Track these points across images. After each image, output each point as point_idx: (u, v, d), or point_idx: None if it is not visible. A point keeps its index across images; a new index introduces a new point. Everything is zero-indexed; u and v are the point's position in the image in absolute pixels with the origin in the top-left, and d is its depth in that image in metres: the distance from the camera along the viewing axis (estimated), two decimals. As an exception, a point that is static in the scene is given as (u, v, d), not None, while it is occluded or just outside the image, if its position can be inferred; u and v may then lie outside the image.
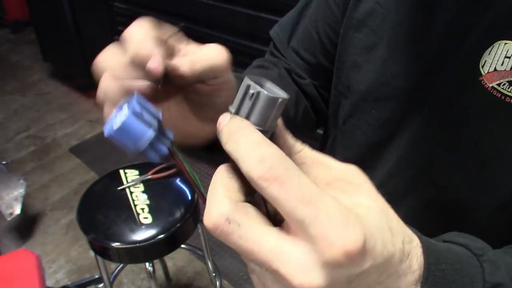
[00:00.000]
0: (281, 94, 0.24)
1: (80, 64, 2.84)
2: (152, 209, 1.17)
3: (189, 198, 1.19)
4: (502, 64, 0.38)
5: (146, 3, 2.21)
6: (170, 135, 0.27)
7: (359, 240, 0.20)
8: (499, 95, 0.39)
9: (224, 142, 0.23)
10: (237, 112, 0.24)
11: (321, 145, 0.67)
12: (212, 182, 0.24)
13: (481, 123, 0.41)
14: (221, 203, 0.22)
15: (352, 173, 0.26)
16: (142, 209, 1.17)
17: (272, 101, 0.23)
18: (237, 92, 0.25)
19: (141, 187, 1.25)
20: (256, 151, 0.21)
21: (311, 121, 0.63)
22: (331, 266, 0.20)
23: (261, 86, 0.24)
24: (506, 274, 0.29)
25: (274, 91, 0.25)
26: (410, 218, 0.49)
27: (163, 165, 1.26)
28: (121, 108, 0.26)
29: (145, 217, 1.15)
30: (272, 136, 0.25)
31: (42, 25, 3.02)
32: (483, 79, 0.40)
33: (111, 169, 1.32)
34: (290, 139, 0.26)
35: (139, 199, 1.21)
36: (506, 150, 0.40)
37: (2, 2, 3.91)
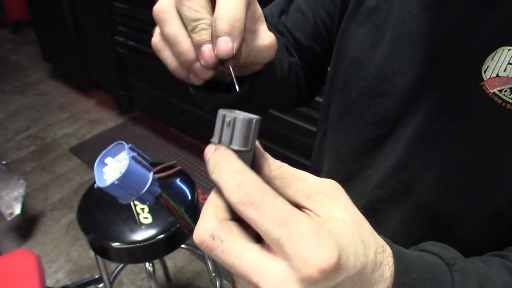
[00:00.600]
0: (254, 116, 0.27)
1: (80, 64, 2.84)
2: (152, 209, 1.17)
3: (189, 198, 1.19)
4: (505, 70, 0.38)
5: (146, 3, 2.21)
6: (154, 175, 0.29)
7: (332, 256, 0.22)
8: (500, 102, 0.38)
9: (210, 172, 0.26)
10: (219, 141, 0.27)
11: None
12: (205, 202, 0.27)
13: (480, 129, 0.41)
14: (208, 220, 0.25)
15: (330, 186, 0.27)
16: (142, 209, 1.18)
17: (248, 122, 0.26)
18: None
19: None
20: (234, 179, 0.24)
21: (293, 100, 0.63)
22: (307, 282, 0.22)
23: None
24: (476, 283, 0.31)
25: (246, 115, 0.28)
26: (407, 220, 0.49)
27: (163, 165, 1.26)
28: (102, 162, 0.27)
29: (145, 217, 1.15)
30: (254, 155, 0.28)
31: (42, 25, 3.03)
32: (484, 84, 0.39)
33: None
34: (270, 158, 0.28)
35: (139, 199, 1.21)
36: (504, 157, 0.40)
37: (2, 2, 3.92)
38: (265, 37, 0.33)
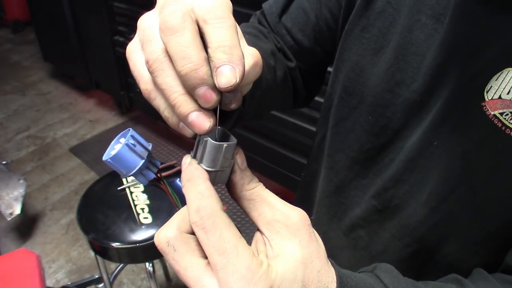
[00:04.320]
0: (231, 139, 0.29)
1: (80, 64, 2.84)
2: (152, 209, 1.17)
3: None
4: (508, 93, 0.36)
5: (146, 3, 2.21)
6: (158, 163, 0.33)
7: None
8: (500, 125, 0.37)
9: (182, 185, 0.29)
10: (194, 156, 0.30)
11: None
12: (178, 211, 0.30)
13: (477, 150, 0.39)
14: (170, 228, 0.29)
15: (293, 218, 0.29)
16: (142, 209, 1.18)
17: (218, 147, 0.28)
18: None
19: (141, 187, 1.25)
20: (196, 202, 0.27)
21: (290, 104, 0.63)
22: None
23: (216, 133, 0.29)
24: None
25: (225, 135, 0.30)
26: (400, 235, 0.49)
27: (163, 165, 1.26)
28: (118, 140, 0.32)
29: (145, 217, 1.15)
30: (232, 170, 0.30)
31: (42, 25, 3.03)
32: (485, 105, 0.37)
33: (111, 169, 1.32)
34: (247, 177, 0.30)
35: (139, 199, 1.21)
36: (498, 182, 0.39)
37: (2, 2, 3.92)
38: (248, 55, 0.29)
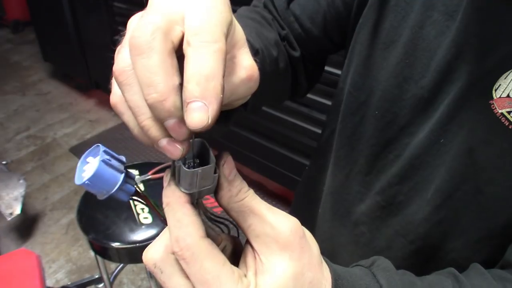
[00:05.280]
0: (210, 158, 0.28)
1: (80, 64, 2.84)
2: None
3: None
4: None
5: (146, 3, 2.21)
6: (133, 175, 0.31)
7: None
8: (507, 124, 0.37)
9: (163, 205, 0.28)
10: (173, 174, 0.28)
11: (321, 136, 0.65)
12: (165, 229, 0.29)
13: (483, 148, 0.39)
14: (157, 250, 0.28)
15: (282, 231, 0.28)
16: (142, 209, 1.18)
17: (192, 174, 0.26)
18: None
19: (141, 187, 1.25)
20: (175, 231, 0.26)
21: (287, 96, 0.61)
22: None
23: (193, 149, 0.27)
24: None
25: (204, 149, 0.28)
26: (403, 232, 0.49)
27: (161, 166, 1.26)
28: (84, 161, 0.29)
29: (145, 217, 1.15)
30: (218, 182, 0.29)
31: (42, 25, 3.02)
32: (493, 103, 0.37)
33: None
34: (235, 188, 0.28)
35: (139, 199, 1.21)
36: (502, 180, 0.39)
37: (2, 2, 3.92)
38: (242, 69, 0.26)
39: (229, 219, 0.30)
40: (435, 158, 0.43)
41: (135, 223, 1.13)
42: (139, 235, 1.10)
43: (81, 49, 2.77)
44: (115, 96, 0.26)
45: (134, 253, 1.12)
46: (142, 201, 0.33)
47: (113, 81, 0.26)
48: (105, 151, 0.28)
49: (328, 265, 0.31)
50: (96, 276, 1.61)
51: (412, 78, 0.44)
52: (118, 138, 2.61)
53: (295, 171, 1.83)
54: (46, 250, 1.92)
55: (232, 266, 0.27)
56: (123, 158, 0.30)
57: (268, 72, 0.47)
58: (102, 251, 1.14)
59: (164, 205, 0.28)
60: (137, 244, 1.09)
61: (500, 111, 0.37)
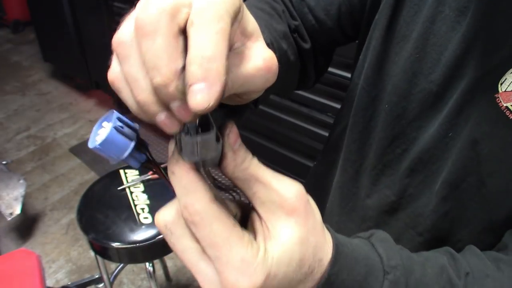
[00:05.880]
0: (211, 126, 0.27)
1: (80, 64, 2.84)
2: (152, 209, 1.17)
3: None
4: None
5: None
6: (146, 143, 0.32)
7: (255, 284, 0.26)
8: (511, 117, 0.37)
9: (168, 174, 0.28)
10: (177, 144, 0.28)
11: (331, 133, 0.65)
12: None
13: (487, 140, 0.40)
14: (169, 211, 0.28)
15: (288, 198, 0.28)
16: (142, 209, 1.18)
17: (192, 143, 0.26)
18: None
19: (141, 187, 1.25)
20: (182, 198, 0.27)
21: (294, 88, 0.61)
22: None
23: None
24: None
25: (205, 119, 0.28)
26: (412, 224, 0.49)
27: (163, 165, 1.26)
28: (100, 125, 0.30)
29: (145, 217, 1.15)
30: (223, 151, 0.28)
31: (42, 25, 3.03)
32: (498, 97, 0.38)
33: (111, 169, 1.32)
34: (239, 157, 0.28)
35: (139, 199, 1.21)
36: (505, 172, 0.40)
37: (2, 2, 3.92)
38: (259, 58, 0.25)
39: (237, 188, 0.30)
40: (444, 152, 0.44)
41: (135, 223, 1.13)
42: (139, 235, 1.10)
43: (81, 49, 2.77)
44: (113, 72, 0.25)
45: (134, 253, 1.12)
46: (153, 169, 0.33)
47: (113, 57, 0.25)
48: (118, 118, 0.29)
49: (329, 231, 0.31)
50: (96, 276, 1.61)
51: (422, 73, 0.44)
52: (118, 138, 2.61)
53: (295, 171, 1.83)
54: (46, 250, 1.92)
55: (243, 230, 0.27)
56: (137, 126, 0.31)
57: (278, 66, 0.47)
58: (102, 251, 1.14)
59: (169, 174, 0.28)
60: (137, 244, 1.09)
61: (505, 104, 0.38)
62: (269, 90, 0.50)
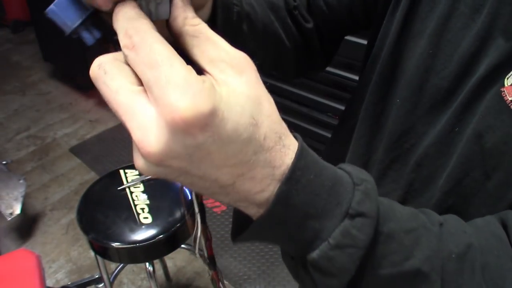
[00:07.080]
0: None
1: (80, 64, 2.84)
2: (152, 209, 1.17)
3: (189, 197, 1.19)
4: None
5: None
6: (106, 22, 0.30)
7: (199, 108, 0.22)
8: None
9: (113, 19, 0.27)
10: None
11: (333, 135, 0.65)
12: None
13: (491, 134, 0.40)
14: (105, 55, 0.26)
15: (238, 59, 0.26)
16: (142, 209, 1.18)
17: None
18: None
19: (141, 187, 1.25)
20: (125, 25, 0.25)
21: (305, 66, 0.62)
22: (170, 130, 0.22)
23: None
24: (375, 207, 0.29)
25: None
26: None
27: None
28: None
29: (145, 217, 1.15)
30: (172, 3, 0.28)
31: (42, 25, 3.02)
32: (504, 91, 0.38)
33: (111, 169, 1.32)
34: (190, 12, 0.28)
35: (139, 199, 1.21)
36: (507, 166, 0.40)
37: (2, 2, 3.91)
38: None
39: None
40: (449, 146, 0.44)
41: (135, 223, 1.13)
42: (139, 235, 1.10)
43: (81, 49, 2.77)
44: None
45: (134, 253, 1.12)
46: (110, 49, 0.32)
47: None
48: None
49: (295, 137, 0.29)
50: (96, 276, 1.61)
51: (433, 69, 0.45)
52: (118, 138, 2.61)
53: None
54: (46, 250, 1.92)
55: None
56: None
57: (264, 23, 0.49)
58: (102, 251, 1.14)
59: (113, 16, 0.27)
60: (137, 244, 1.09)
61: (510, 98, 0.38)
62: (267, 62, 0.52)
